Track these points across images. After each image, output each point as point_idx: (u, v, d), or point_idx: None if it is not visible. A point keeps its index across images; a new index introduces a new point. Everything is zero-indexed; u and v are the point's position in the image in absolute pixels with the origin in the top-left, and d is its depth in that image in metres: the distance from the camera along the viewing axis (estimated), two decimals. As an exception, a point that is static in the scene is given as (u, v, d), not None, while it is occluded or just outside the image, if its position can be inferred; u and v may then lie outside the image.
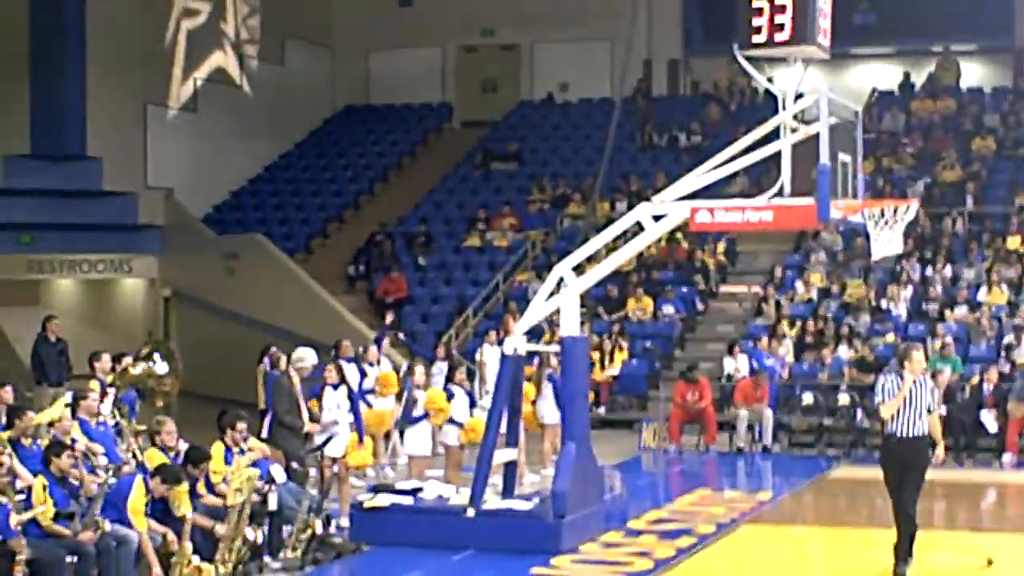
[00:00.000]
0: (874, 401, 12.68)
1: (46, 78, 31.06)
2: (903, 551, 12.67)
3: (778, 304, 27.01)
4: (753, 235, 29.18)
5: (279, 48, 37.95)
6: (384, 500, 14.47)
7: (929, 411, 12.56)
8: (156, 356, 14.81)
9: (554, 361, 18.72)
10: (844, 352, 24.29)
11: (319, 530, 13.35)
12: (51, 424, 13.04)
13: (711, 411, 22.93)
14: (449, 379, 17.02)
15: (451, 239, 32.58)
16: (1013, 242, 28.03)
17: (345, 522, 14.63)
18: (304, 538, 13.25)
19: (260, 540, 12.75)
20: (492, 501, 14.46)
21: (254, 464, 13.33)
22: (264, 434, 15.92)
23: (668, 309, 27.79)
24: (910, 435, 12.43)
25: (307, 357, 15.78)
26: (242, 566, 12.51)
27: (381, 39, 39.07)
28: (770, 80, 15.13)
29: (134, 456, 13.95)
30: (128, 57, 32.39)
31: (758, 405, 22.68)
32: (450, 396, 16.46)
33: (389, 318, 24.53)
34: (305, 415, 15.37)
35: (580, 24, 37.16)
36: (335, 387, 15.49)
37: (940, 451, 12.91)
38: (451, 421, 16.28)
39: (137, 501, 11.66)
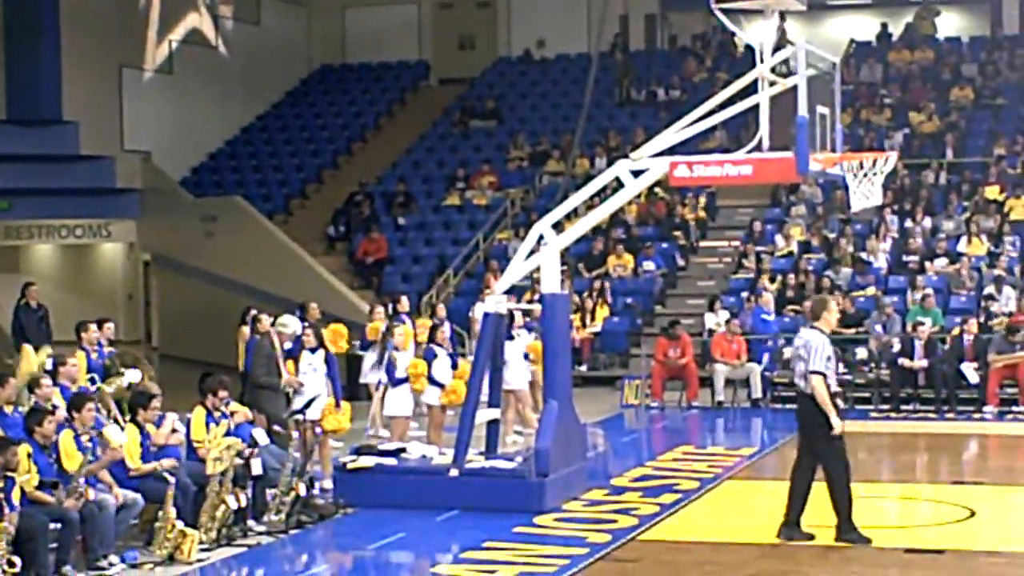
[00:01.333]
0: (814, 361, 11.99)
1: (21, 43, 30.82)
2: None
3: (759, 258, 27.00)
4: (732, 190, 29.11)
5: (254, 7, 37.73)
6: (368, 461, 14.47)
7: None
8: (123, 369, 14.91)
9: (519, 318, 18.49)
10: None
11: (303, 492, 13.34)
12: (32, 390, 12.99)
13: (693, 367, 22.96)
14: (431, 339, 16.95)
15: (430, 198, 32.47)
16: (992, 192, 28.03)
17: (328, 484, 14.62)
18: (288, 501, 13.24)
19: (244, 503, 12.74)
20: (475, 461, 14.45)
21: (237, 428, 13.31)
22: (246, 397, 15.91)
23: (649, 265, 27.75)
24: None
25: (290, 324, 16.00)
26: (226, 529, 12.53)
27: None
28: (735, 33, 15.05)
29: (116, 422, 13.88)
30: (103, 20, 32.18)
31: (736, 360, 22.72)
32: (432, 356, 16.40)
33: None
34: (285, 373, 15.42)
35: (556, -21, 37.05)
36: (312, 351, 15.53)
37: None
38: (433, 382, 16.23)
39: (67, 445, 11.75)
